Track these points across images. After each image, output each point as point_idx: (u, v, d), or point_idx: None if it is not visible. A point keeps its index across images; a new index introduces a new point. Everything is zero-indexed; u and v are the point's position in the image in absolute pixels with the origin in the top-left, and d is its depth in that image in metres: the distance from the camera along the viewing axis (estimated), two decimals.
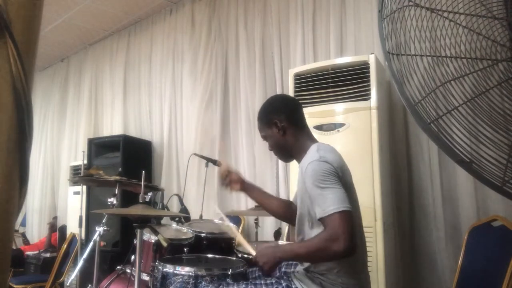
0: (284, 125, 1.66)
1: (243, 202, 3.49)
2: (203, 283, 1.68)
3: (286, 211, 1.87)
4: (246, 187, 1.89)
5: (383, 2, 1.79)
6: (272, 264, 1.50)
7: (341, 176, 1.48)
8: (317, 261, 1.51)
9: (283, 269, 1.76)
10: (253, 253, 1.63)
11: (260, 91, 3.55)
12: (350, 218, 1.39)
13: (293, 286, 1.55)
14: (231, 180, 1.86)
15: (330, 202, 1.38)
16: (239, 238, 1.99)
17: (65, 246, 3.68)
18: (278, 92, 3.43)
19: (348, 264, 1.49)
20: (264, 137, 1.75)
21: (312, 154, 1.54)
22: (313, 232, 1.52)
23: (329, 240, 1.35)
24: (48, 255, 4.51)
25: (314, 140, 1.68)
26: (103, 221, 2.29)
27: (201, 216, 2.91)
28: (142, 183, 2.04)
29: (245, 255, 2.08)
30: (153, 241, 2.13)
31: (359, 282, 1.52)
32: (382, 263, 2.27)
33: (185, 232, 2.34)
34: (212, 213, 2.93)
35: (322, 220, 1.40)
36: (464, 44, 1.74)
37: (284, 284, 1.56)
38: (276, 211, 1.91)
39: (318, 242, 1.40)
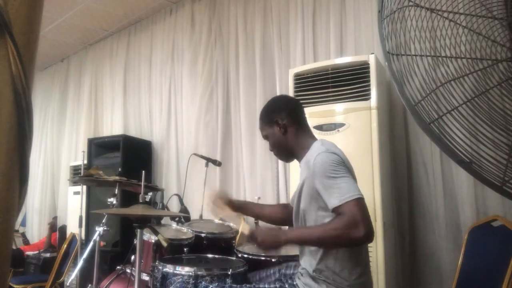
0: (285, 123, 1.67)
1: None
2: (203, 283, 1.68)
3: (286, 215, 1.84)
4: (237, 207, 1.90)
5: (383, 2, 1.79)
6: (272, 244, 1.48)
7: (348, 168, 1.50)
8: (331, 247, 1.48)
9: (283, 271, 1.75)
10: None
11: (260, 91, 3.54)
12: (365, 205, 1.39)
13: None
14: (219, 206, 1.86)
15: (345, 190, 1.38)
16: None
17: (65, 246, 3.69)
18: (278, 92, 3.42)
19: (353, 264, 1.48)
20: (265, 136, 1.75)
21: (317, 147, 1.54)
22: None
23: (348, 226, 1.34)
24: (48, 255, 4.51)
25: (315, 139, 1.69)
26: (103, 221, 2.29)
27: (201, 216, 2.91)
28: (142, 183, 2.05)
29: (245, 255, 2.08)
30: (153, 241, 2.13)
31: (363, 283, 1.52)
32: (382, 263, 2.27)
33: (185, 232, 2.34)
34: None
35: (337, 208, 1.38)
36: (464, 45, 1.74)
37: (287, 287, 1.56)
38: (275, 218, 1.90)
39: (335, 228, 1.37)
